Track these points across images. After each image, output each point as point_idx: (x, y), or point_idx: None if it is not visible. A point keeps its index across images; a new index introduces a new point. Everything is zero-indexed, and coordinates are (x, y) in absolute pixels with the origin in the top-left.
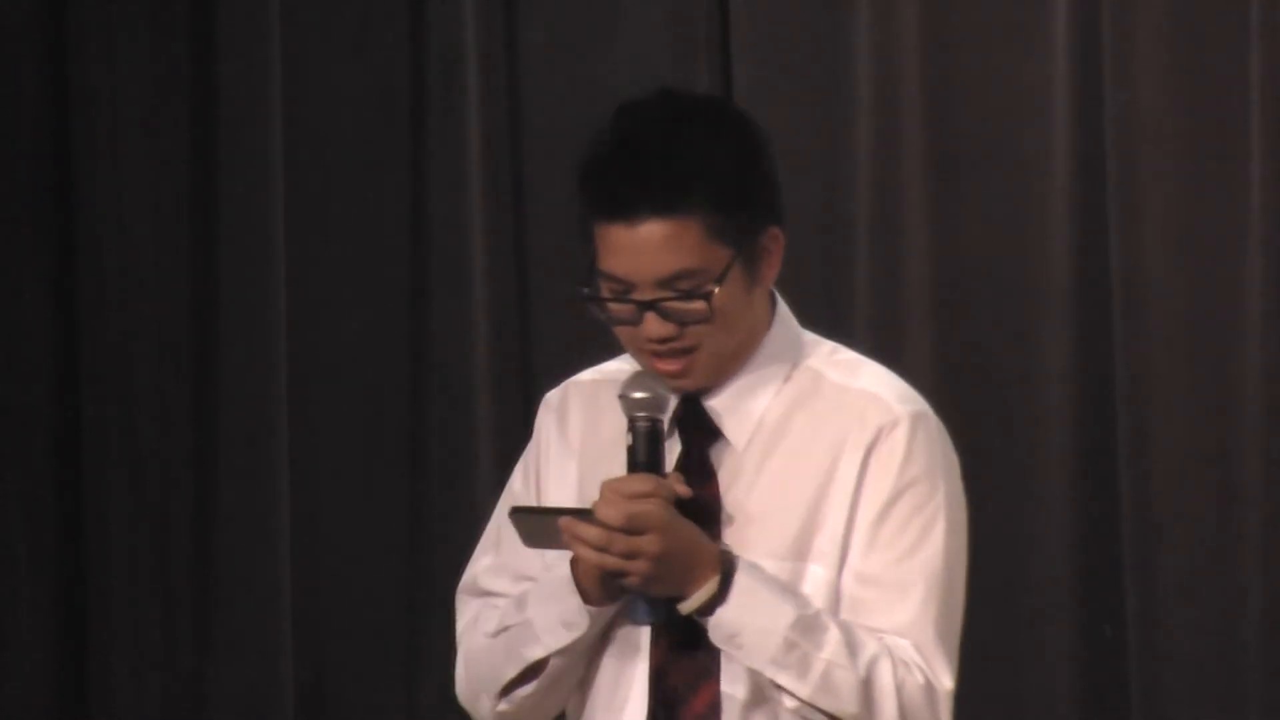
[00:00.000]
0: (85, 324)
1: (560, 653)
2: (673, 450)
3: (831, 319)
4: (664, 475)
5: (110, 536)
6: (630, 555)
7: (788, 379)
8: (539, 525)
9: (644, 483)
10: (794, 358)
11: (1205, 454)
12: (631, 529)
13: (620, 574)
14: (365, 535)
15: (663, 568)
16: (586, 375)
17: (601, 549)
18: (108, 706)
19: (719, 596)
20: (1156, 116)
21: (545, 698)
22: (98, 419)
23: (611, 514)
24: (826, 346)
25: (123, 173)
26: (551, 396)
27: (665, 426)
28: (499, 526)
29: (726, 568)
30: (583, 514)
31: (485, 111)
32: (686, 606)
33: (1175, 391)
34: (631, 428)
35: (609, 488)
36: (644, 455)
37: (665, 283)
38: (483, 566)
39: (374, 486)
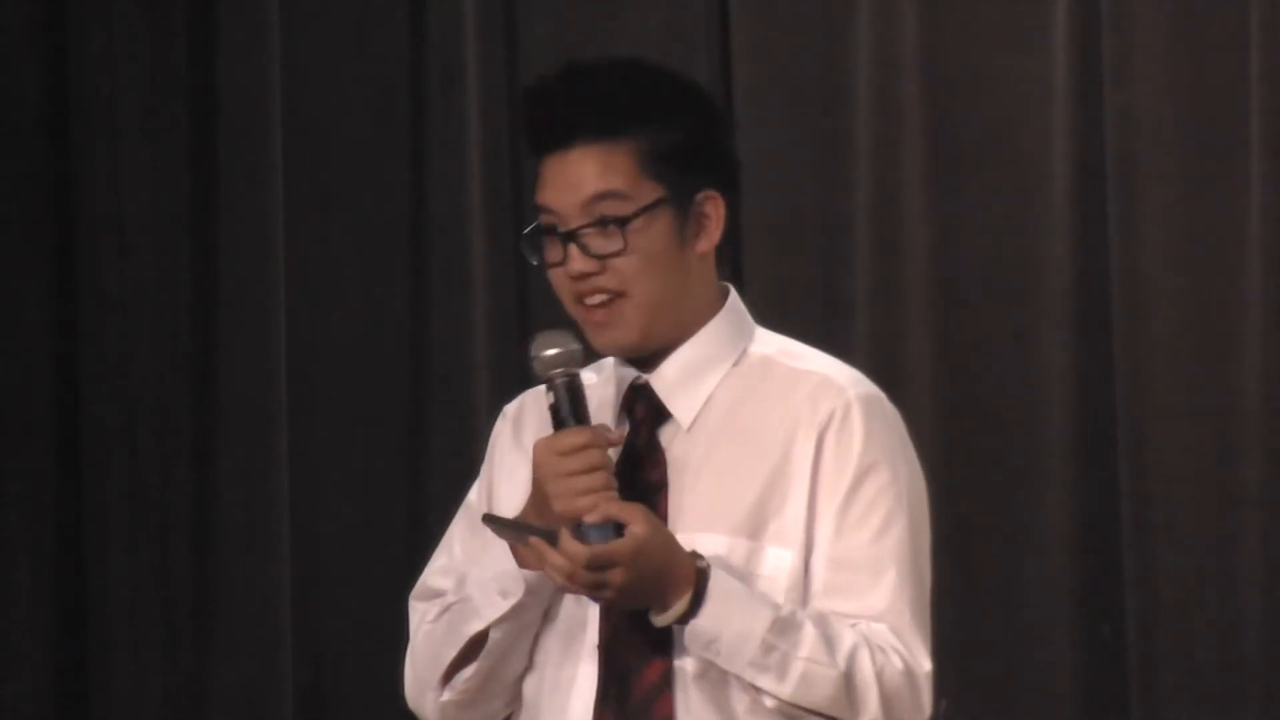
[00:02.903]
0: (85, 324)
1: (500, 624)
2: (598, 425)
3: (832, 319)
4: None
5: (110, 536)
6: (595, 586)
7: (736, 363)
8: (510, 534)
9: (577, 435)
10: (743, 344)
11: (1205, 454)
12: (595, 565)
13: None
14: (365, 535)
15: (629, 596)
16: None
17: (569, 576)
18: (108, 706)
19: (691, 611)
20: (1156, 116)
21: (486, 683)
22: (98, 419)
23: (576, 550)
24: (778, 337)
25: (123, 174)
26: (508, 408)
27: (581, 380)
28: (452, 534)
29: (700, 581)
30: (550, 536)
31: (485, 111)
32: (660, 621)
33: (1175, 391)
34: (550, 386)
35: (542, 446)
36: (569, 410)
37: (589, 206)
38: (434, 569)
39: (374, 486)
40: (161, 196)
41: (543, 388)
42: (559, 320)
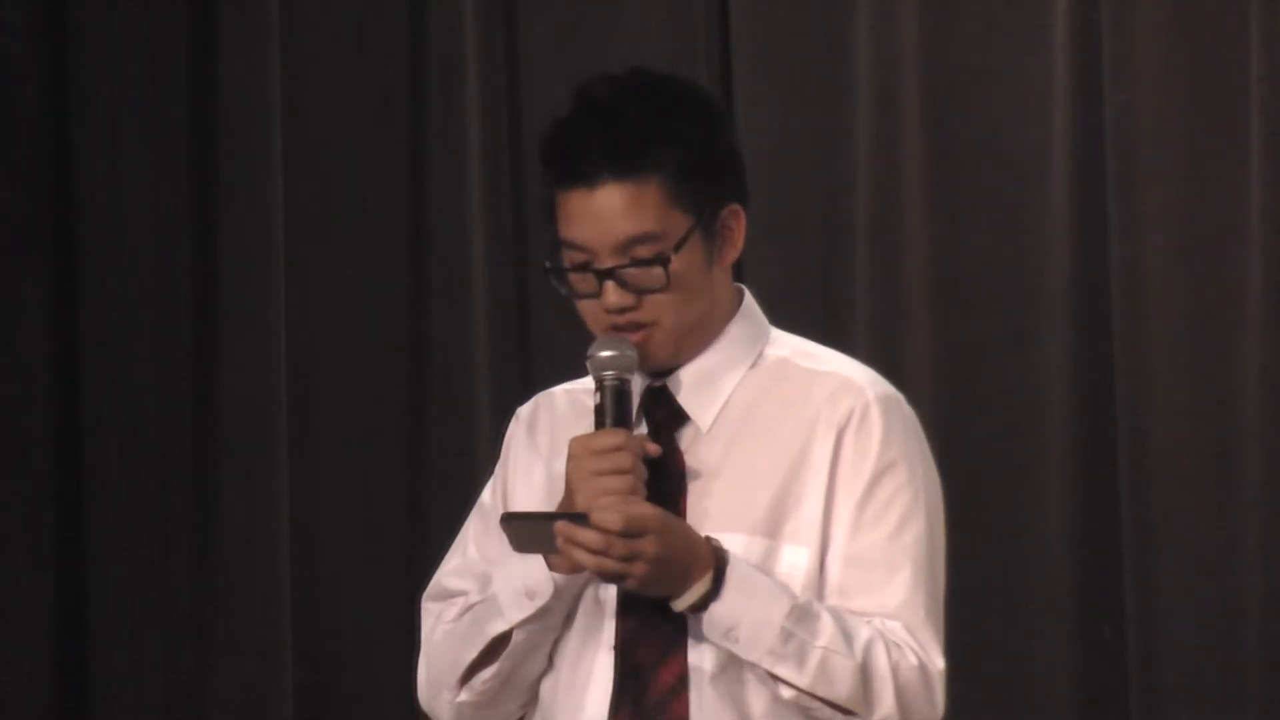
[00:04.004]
0: (85, 324)
1: (524, 625)
2: (639, 434)
3: (832, 319)
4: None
5: (110, 536)
6: (629, 558)
7: (754, 365)
8: (531, 530)
9: (613, 437)
10: (760, 346)
11: (1205, 454)
12: (629, 532)
13: (618, 577)
14: (365, 535)
15: (660, 569)
16: (558, 388)
17: (599, 553)
18: (108, 706)
19: (712, 593)
20: (1156, 116)
21: (505, 685)
22: (98, 419)
23: (610, 518)
24: (793, 338)
25: (123, 173)
26: (522, 410)
27: (632, 387)
28: (466, 534)
29: (719, 564)
30: (577, 518)
31: (485, 112)
32: (680, 604)
33: (1175, 391)
34: (599, 387)
35: (578, 442)
36: (612, 413)
37: (623, 248)
38: (448, 570)
39: (374, 486)
40: (161, 196)
41: (558, 389)
42: (558, 319)
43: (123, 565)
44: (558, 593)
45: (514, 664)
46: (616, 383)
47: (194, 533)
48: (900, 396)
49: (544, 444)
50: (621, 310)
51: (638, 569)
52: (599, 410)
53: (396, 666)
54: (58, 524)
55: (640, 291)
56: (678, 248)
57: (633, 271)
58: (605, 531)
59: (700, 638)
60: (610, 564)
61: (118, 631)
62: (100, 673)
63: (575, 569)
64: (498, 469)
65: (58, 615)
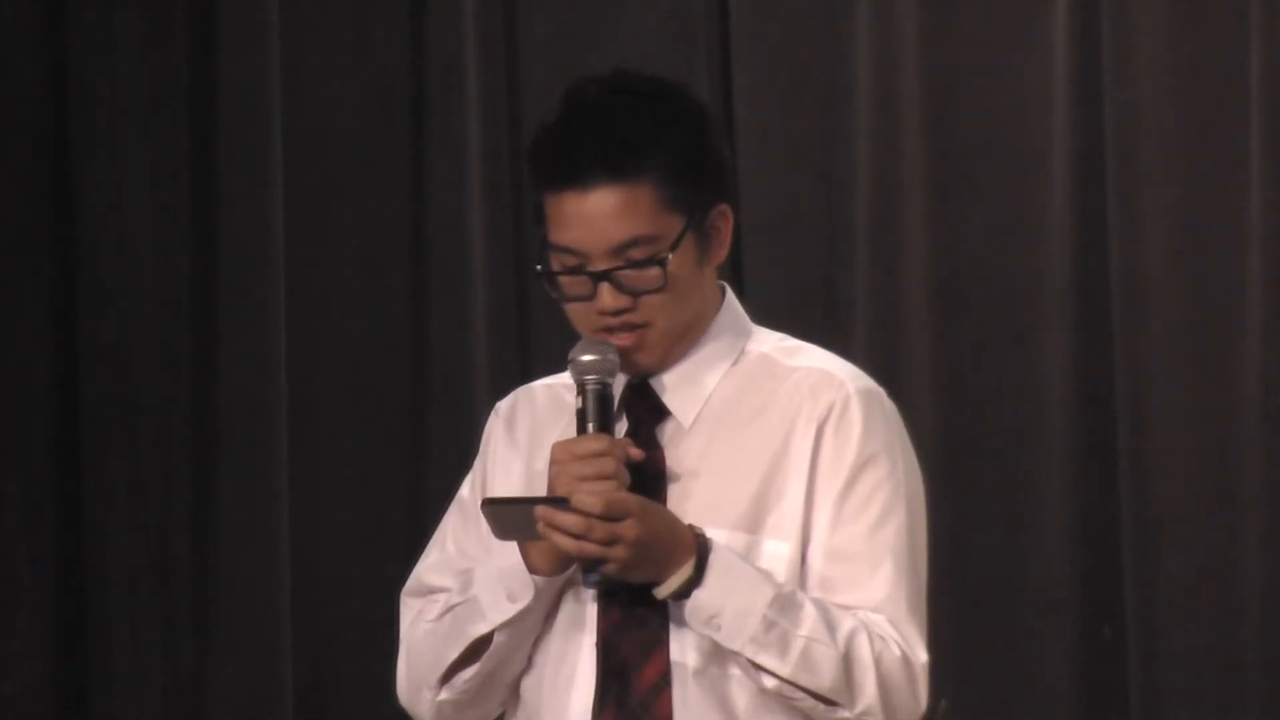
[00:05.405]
0: (85, 324)
1: (505, 627)
2: (620, 430)
3: (831, 319)
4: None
5: (110, 536)
6: (609, 541)
7: (735, 362)
8: (512, 515)
9: (596, 442)
10: (741, 342)
11: (1205, 454)
12: (610, 515)
13: (599, 561)
14: (365, 535)
15: (641, 552)
16: (538, 383)
17: (580, 536)
18: (108, 707)
19: (695, 579)
20: (1156, 116)
21: (486, 685)
22: (98, 418)
23: (590, 501)
24: (774, 334)
25: (122, 173)
26: (501, 404)
27: (614, 390)
28: (445, 529)
29: (702, 550)
30: (558, 502)
31: (485, 111)
32: (663, 590)
33: (1175, 391)
34: (581, 391)
35: (560, 447)
36: (594, 417)
37: (618, 251)
38: (427, 565)
39: (374, 486)
40: (161, 196)
41: (537, 384)
42: (558, 319)
43: (123, 565)
44: (538, 594)
45: (495, 664)
46: (599, 386)
47: (194, 533)
48: (881, 390)
49: (523, 439)
50: (617, 312)
51: (618, 552)
52: (581, 414)
53: (396, 667)
54: (58, 523)
55: (636, 293)
56: (673, 248)
57: (628, 273)
58: (585, 514)
59: (682, 634)
60: (590, 548)
61: (118, 631)
62: (100, 673)
63: (555, 569)
64: (476, 463)
65: (58, 615)
